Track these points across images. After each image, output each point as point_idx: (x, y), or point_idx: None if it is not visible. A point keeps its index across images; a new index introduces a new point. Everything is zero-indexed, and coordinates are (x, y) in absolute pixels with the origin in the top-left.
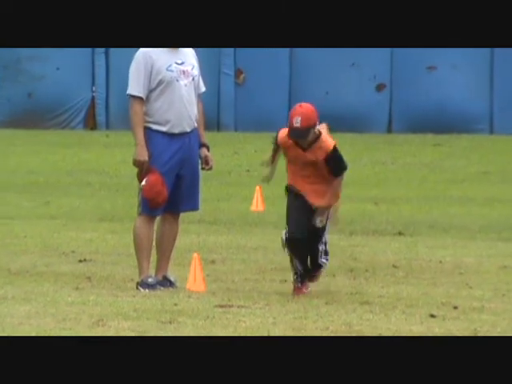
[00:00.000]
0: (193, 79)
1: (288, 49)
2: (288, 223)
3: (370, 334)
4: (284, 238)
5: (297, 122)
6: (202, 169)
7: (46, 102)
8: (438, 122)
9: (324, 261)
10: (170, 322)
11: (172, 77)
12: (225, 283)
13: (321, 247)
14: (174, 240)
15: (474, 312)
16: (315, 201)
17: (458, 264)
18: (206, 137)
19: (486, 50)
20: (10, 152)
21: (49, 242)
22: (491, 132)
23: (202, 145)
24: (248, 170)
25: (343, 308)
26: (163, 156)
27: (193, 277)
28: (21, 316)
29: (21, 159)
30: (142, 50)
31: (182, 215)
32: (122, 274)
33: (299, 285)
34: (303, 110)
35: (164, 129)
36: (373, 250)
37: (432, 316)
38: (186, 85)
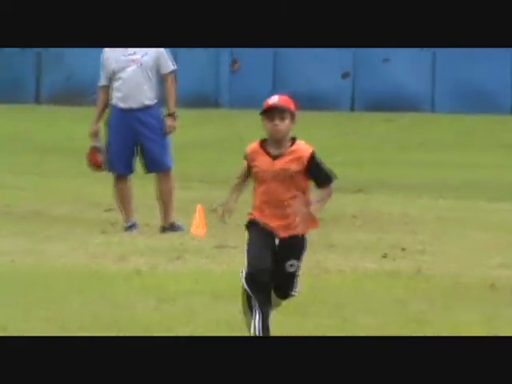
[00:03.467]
0: (140, 65)
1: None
2: (248, 260)
3: (333, 269)
4: (243, 278)
5: (274, 99)
6: (164, 134)
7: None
8: (390, 103)
9: (294, 293)
10: (177, 258)
11: (117, 66)
12: (222, 228)
13: (294, 292)
14: (169, 194)
15: (417, 253)
16: (282, 231)
17: (405, 215)
18: (198, 113)
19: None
20: (54, 123)
21: (82, 194)
22: (432, 111)
23: (168, 114)
24: (241, 140)
25: (313, 249)
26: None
27: (196, 223)
28: (60, 251)
29: (62, 129)
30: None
31: (186, 176)
32: (139, 220)
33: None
34: (280, 95)
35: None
36: (337, 204)
37: (384, 256)
38: (133, 69)
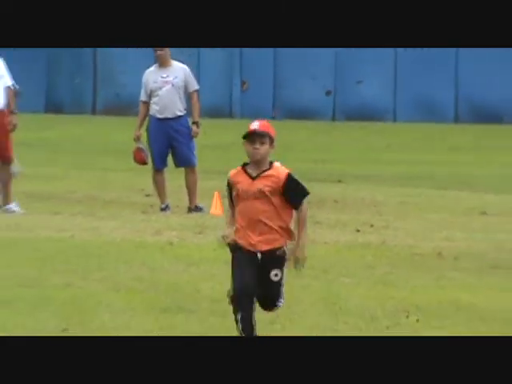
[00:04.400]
0: (172, 85)
1: (272, 66)
2: (235, 286)
3: (319, 241)
4: (229, 298)
5: (254, 125)
6: (191, 138)
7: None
8: (362, 114)
9: (280, 304)
10: (200, 233)
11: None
12: None
13: (280, 303)
14: (194, 183)
15: (382, 229)
16: (264, 244)
17: (373, 200)
18: (215, 122)
19: (391, 64)
20: (106, 130)
21: (128, 184)
22: (394, 120)
23: (193, 122)
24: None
25: None
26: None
27: (214, 205)
28: (111, 228)
29: (112, 134)
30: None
31: (207, 170)
32: (171, 203)
33: None
34: (261, 120)
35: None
36: (322, 191)
37: (357, 231)
38: (168, 88)
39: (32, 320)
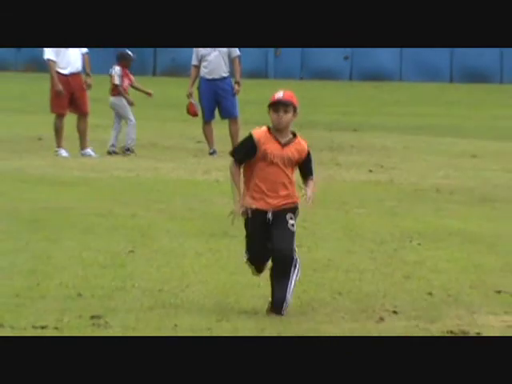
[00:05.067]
0: (219, 52)
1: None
2: (250, 255)
3: (339, 179)
4: (246, 258)
5: (279, 94)
6: (234, 95)
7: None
8: (374, 76)
9: (290, 296)
10: None
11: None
12: None
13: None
14: (236, 132)
15: (391, 169)
16: (282, 202)
17: (383, 145)
18: (254, 82)
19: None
20: (165, 89)
21: (183, 132)
22: (401, 80)
23: (236, 82)
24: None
25: (326, 167)
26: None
27: None
28: (169, 168)
29: (170, 92)
30: None
31: (246, 121)
32: (218, 148)
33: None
34: (286, 91)
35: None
36: (340, 138)
37: (370, 171)
38: (215, 55)
39: (105, 243)
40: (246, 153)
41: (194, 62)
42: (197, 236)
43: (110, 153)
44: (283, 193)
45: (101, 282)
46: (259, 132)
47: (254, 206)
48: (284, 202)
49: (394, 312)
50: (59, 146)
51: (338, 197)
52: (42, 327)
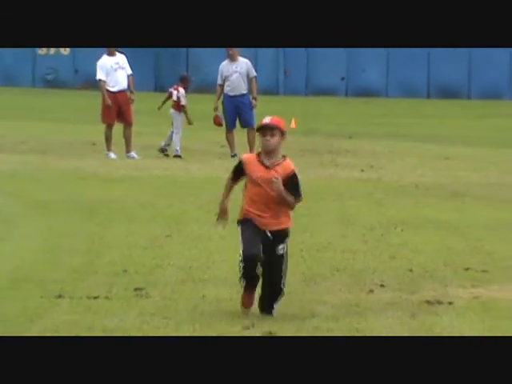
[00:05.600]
0: (239, 74)
1: (305, 61)
2: (244, 244)
3: (336, 177)
4: (240, 259)
5: (267, 119)
6: (251, 108)
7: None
8: (365, 93)
9: (283, 288)
10: None
11: (227, 74)
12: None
13: (282, 282)
14: (254, 138)
15: (379, 169)
16: (273, 225)
17: (373, 150)
18: (267, 98)
19: (384, 58)
20: (196, 104)
21: (210, 139)
22: (387, 97)
23: (253, 98)
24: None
25: (326, 167)
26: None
27: None
28: (198, 168)
29: (199, 107)
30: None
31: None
32: (238, 152)
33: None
34: (274, 116)
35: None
36: (338, 144)
37: (362, 170)
38: (236, 76)
39: (146, 228)
40: (236, 174)
41: (219, 81)
42: None
43: (162, 151)
44: (275, 218)
45: (142, 261)
46: (248, 156)
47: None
48: (277, 229)
49: (382, 285)
50: (109, 149)
51: (336, 191)
52: (95, 297)
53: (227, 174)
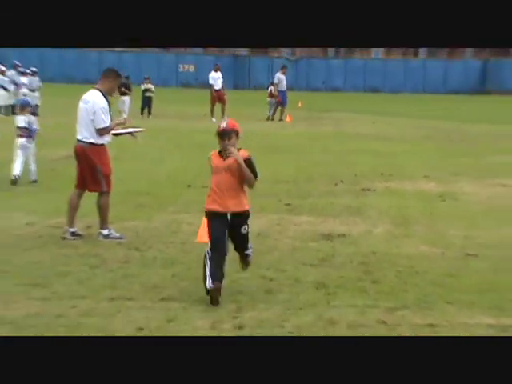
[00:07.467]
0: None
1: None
2: (211, 245)
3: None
4: (207, 252)
5: (223, 124)
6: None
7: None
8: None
9: (250, 251)
10: None
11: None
12: None
13: (250, 249)
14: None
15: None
16: (235, 206)
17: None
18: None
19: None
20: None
21: None
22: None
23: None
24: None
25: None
26: None
27: None
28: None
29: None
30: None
31: None
32: None
33: (211, 284)
34: (230, 120)
35: None
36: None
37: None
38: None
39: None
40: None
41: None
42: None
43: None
44: (234, 200)
45: None
46: (212, 153)
47: (212, 207)
48: (237, 211)
49: (342, 181)
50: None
51: (321, 136)
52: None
53: None
